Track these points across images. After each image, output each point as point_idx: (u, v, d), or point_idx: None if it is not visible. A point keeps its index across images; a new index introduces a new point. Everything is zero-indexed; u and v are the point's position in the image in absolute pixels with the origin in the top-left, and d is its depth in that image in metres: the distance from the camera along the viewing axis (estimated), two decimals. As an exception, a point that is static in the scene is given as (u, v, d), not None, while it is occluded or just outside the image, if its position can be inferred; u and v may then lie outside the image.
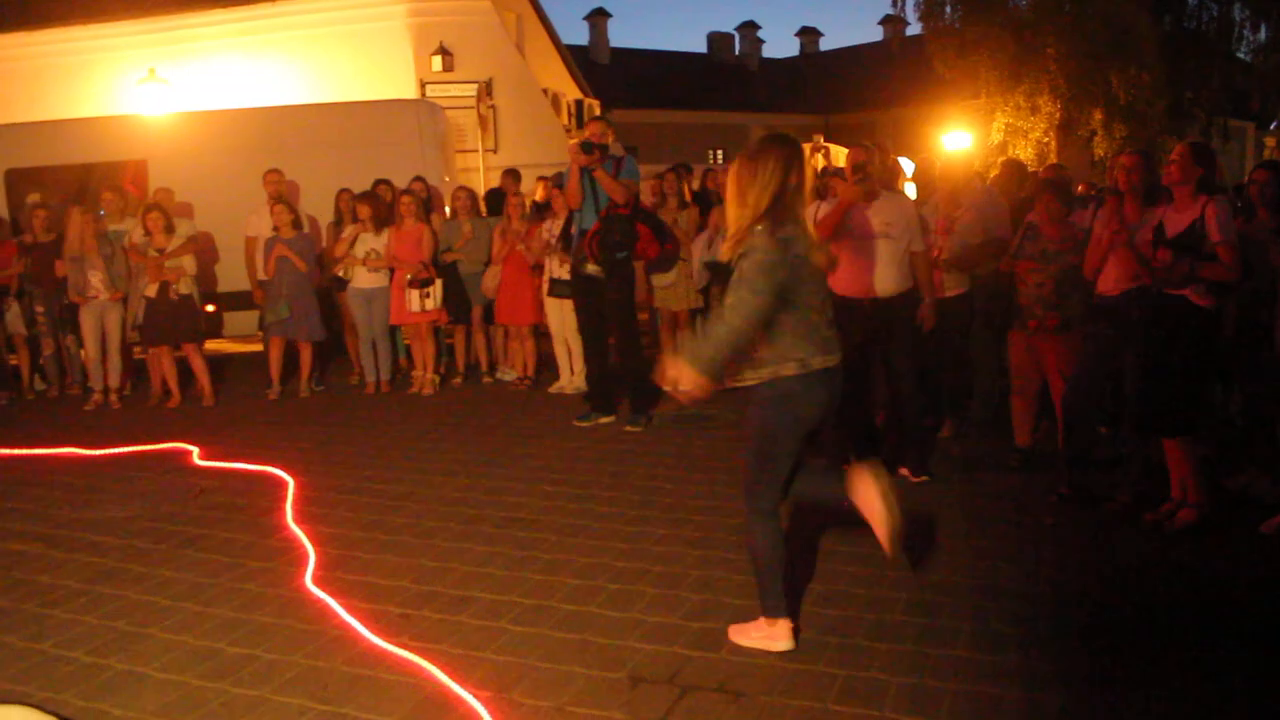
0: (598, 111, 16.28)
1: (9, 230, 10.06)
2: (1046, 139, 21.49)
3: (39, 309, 9.50)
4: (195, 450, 7.24)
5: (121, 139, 11.14)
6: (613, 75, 30.39)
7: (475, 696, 3.49)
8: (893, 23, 34.58)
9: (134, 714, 3.52)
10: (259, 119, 11.42)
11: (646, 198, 8.89)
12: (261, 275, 9.32)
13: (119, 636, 4.18)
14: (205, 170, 10.36)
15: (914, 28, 26.83)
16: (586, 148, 7.17)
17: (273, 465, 6.69)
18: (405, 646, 3.91)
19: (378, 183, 9.63)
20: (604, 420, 7.55)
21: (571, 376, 8.79)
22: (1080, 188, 10.13)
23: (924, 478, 5.85)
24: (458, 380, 9.58)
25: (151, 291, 8.95)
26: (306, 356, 9.34)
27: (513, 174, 10.29)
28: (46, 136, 11.25)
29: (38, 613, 4.46)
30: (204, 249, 9.62)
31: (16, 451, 7.42)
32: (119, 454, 7.32)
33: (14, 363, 10.01)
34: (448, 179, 10.66)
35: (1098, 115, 21.28)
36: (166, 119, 11.80)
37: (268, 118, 11.45)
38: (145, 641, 4.12)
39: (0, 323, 9.72)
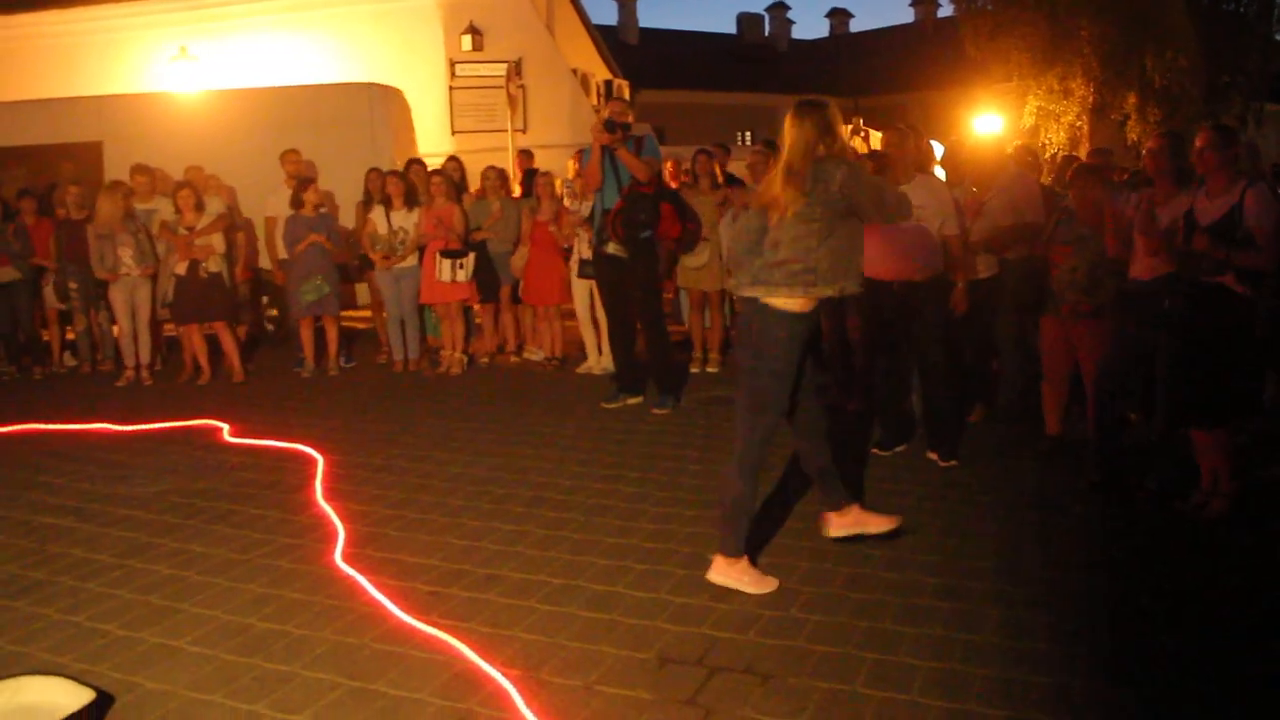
0: (626, 92, 16.22)
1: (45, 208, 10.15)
2: (1079, 123, 21.24)
3: (72, 285, 9.60)
4: (225, 427, 7.30)
5: (77, 121, 11.19)
6: (642, 55, 30.24)
7: (504, 675, 3.51)
8: (924, 4, 34.34)
9: (167, 687, 3.56)
10: (214, 102, 11.53)
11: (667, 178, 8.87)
12: (282, 254, 9.38)
13: (152, 610, 4.23)
14: (160, 152, 10.30)
15: (945, 9, 26.60)
16: (609, 126, 7.15)
17: (302, 443, 6.74)
18: (434, 624, 3.94)
19: (411, 163, 9.65)
20: (631, 401, 7.54)
21: (599, 357, 8.79)
22: (1114, 174, 10.02)
23: (952, 462, 5.82)
24: (485, 360, 9.61)
25: (181, 269, 9.02)
26: (334, 334, 9.40)
27: (526, 154, 10.35)
28: (10, 116, 11.33)
29: (73, 585, 4.52)
30: (236, 228, 9.68)
31: (50, 426, 7.51)
32: (150, 430, 7.39)
33: (45, 338, 10.13)
34: (399, 163, 10.71)
35: (1132, 99, 21.00)
36: (122, 100, 11.84)
37: (224, 100, 11.56)
38: (177, 615, 4.16)
39: (37, 298, 9.85)
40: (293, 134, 10.44)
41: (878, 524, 4.44)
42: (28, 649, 3.91)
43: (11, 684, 3.50)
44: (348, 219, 9.94)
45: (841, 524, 4.41)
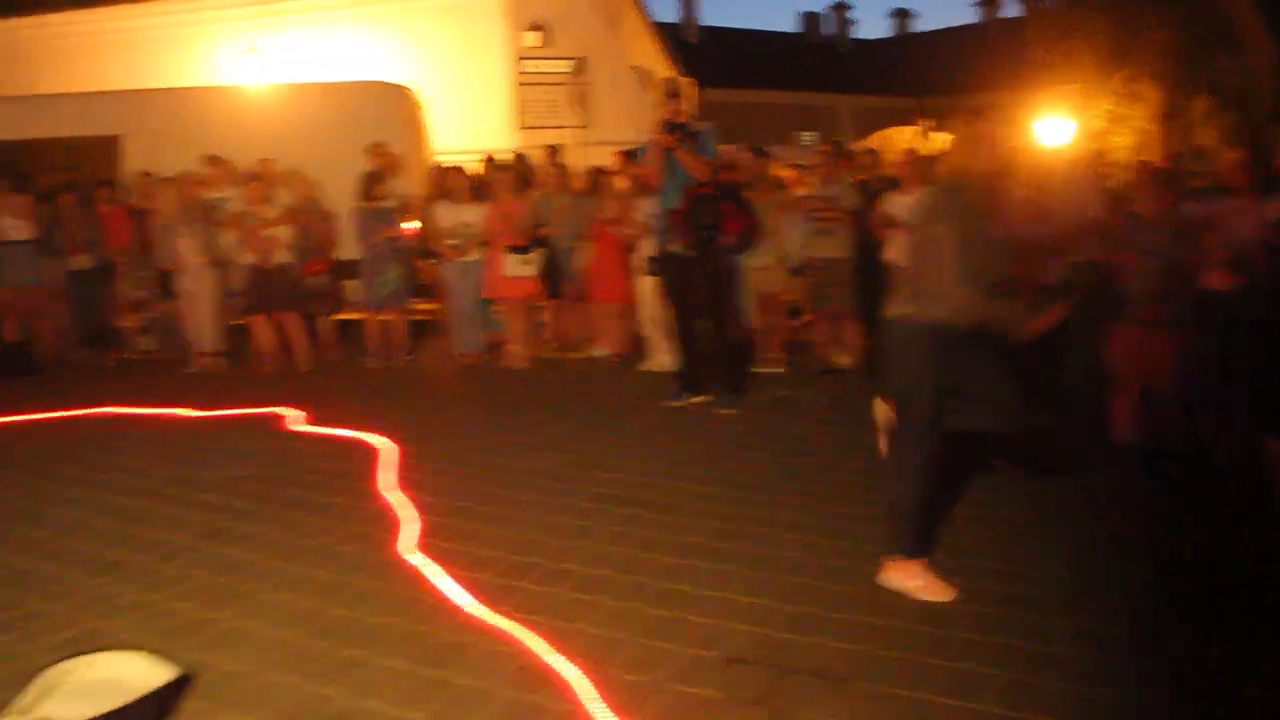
0: (689, 90, 16.18)
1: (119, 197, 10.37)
2: (1148, 127, 20.88)
3: (145, 273, 9.82)
4: (295, 415, 7.41)
5: (98, 115, 11.48)
6: (703, 53, 30.14)
7: (574, 668, 3.53)
8: (988, 5, 33.94)
9: (243, 668, 3.64)
10: (230, 98, 11.81)
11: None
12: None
13: (226, 592, 4.32)
14: (177, 146, 10.50)
15: (1010, 9, 26.27)
16: (669, 128, 7.16)
17: (370, 432, 6.80)
18: (504, 616, 3.97)
19: (488, 157, 9.76)
20: (695, 400, 7.53)
21: (663, 355, 8.79)
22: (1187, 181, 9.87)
23: (1018, 471, 5.75)
24: (548, 356, 9.67)
25: (251, 260, 9.19)
26: (400, 326, 9.51)
27: (553, 149, 10.52)
28: (28, 110, 11.71)
29: (150, 566, 4.64)
30: (309, 220, 9.82)
31: (128, 410, 7.67)
32: (224, 416, 7.54)
33: (123, 324, 10.35)
34: (409, 160, 10.86)
35: (1202, 103, 20.61)
36: (141, 95, 12.12)
37: (240, 96, 11.83)
38: (251, 598, 4.25)
39: (112, 285, 10.07)
40: (305, 130, 10.75)
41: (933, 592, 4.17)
42: (107, 626, 4.01)
43: (96, 658, 3.58)
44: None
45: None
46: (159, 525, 5.17)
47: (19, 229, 9.49)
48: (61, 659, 3.56)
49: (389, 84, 12.14)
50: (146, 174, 10.22)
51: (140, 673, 3.45)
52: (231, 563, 4.65)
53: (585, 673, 3.51)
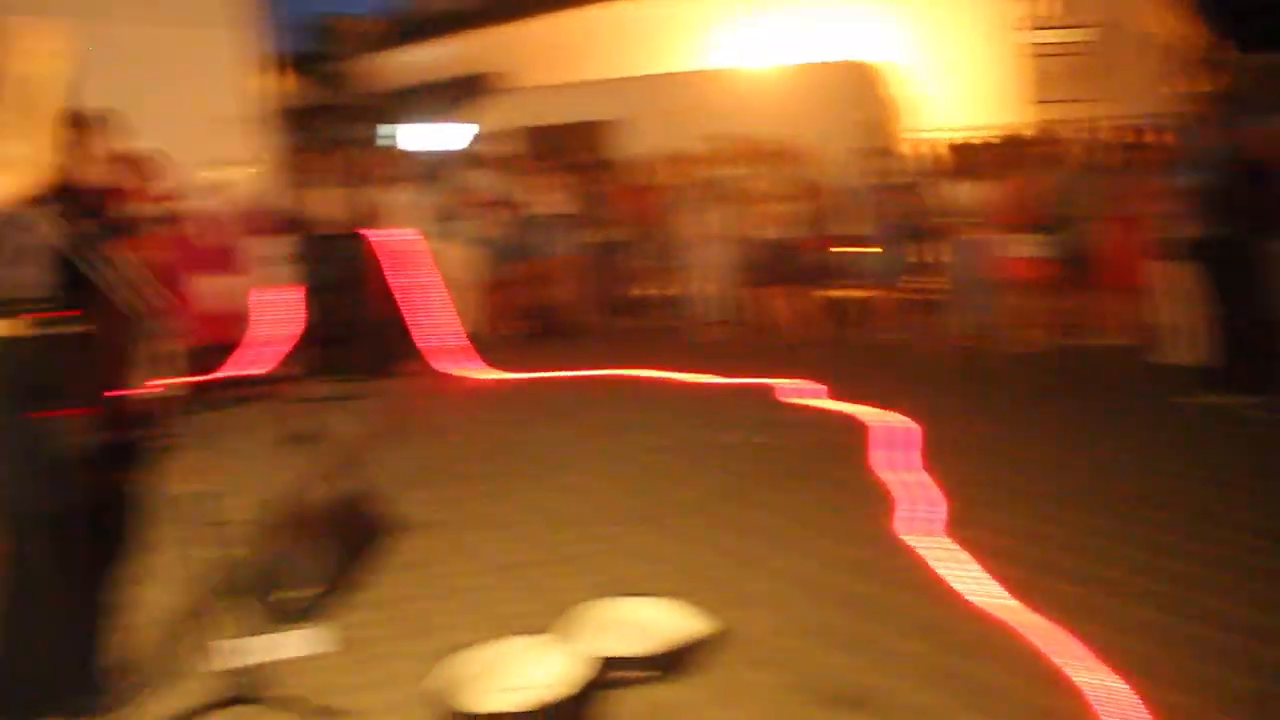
0: (1232, 56, 14.66)
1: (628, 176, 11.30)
2: None
3: (658, 246, 10.59)
4: (807, 387, 7.52)
5: (608, 99, 12.63)
6: (1232, 13, 27.18)
7: (1113, 681, 3.29)
8: None
9: (757, 630, 3.76)
10: (715, 81, 12.45)
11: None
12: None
13: (741, 554, 4.54)
14: (674, 127, 11.09)
15: None
16: (1208, 99, 6.55)
17: (882, 409, 6.72)
18: (1030, 613, 3.79)
19: (1002, 132, 9.58)
20: (1227, 400, 6.79)
21: (1180, 347, 8.07)
22: None
23: None
24: (1056, 341, 9.16)
25: (756, 235, 9.60)
26: (900, 304, 9.56)
27: (1069, 124, 9.94)
28: (557, 98, 13.16)
29: (675, 521, 4.98)
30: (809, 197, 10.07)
31: (646, 373, 8.28)
32: (733, 384, 7.85)
33: (637, 294, 11.23)
34: (875, 138, 10.66)
35: None
36: (643, 81, 13.03)
37: (723, 79, 12.43)
38: (765, 563, 4.42)
39: (626, 258, 10.98)
40: (779, 109, 11.11)
41: None
42: (630, 573, 4.35)
43: (630, 601, 3.92)
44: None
45: None
46: (677, 482, 5.56)
47: (562, 204, 10.60)
48: (592, 598, 3.94)
49: (857, 63, 12.34)
50: (653, 153, 10.99)
51: (672, 621, 3.72)
52: (745, 525, 4.88)
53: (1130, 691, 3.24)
